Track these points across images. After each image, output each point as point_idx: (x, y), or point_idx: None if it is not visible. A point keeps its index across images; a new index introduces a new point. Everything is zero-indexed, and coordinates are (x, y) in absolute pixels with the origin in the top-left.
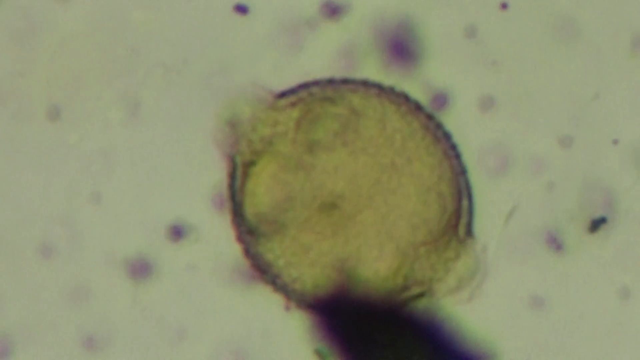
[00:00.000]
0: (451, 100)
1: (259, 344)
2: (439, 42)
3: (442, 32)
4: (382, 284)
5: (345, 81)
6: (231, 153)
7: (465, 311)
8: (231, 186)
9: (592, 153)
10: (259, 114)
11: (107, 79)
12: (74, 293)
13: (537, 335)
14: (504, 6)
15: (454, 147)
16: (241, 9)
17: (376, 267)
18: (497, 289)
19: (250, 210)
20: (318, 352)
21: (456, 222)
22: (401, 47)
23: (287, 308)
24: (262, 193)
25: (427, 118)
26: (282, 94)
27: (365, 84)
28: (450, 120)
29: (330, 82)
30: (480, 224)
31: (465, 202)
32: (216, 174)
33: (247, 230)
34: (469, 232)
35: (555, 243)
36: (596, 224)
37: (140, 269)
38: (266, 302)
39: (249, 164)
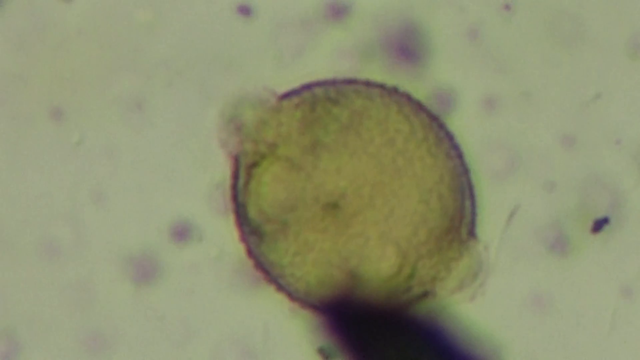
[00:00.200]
0: (454, 101)
1: (263, 343)
2: (443, 42)
3: (446, 33)
4: (384, 283)
5: (348, 82)
6: (235, 153)
7: (468, 311)
8: (234, 186)
9: (594, 153)
10: (262, 115)
11: (110, 78)
12: (77, 293)
13: (539, 335)
14: (507, 7)
15: (456, 147)
16: (244, 10)
17: (378, 267)
18: (499, 289)
19: (253, 210)
20: (322, 351)
21: (459, 222)
22: (404, 47)
23: (292, 309)
24: (265, 193)
25: (430, 118)
26: (286, 95)
27: (368, 84)
28: (454, 121)
29: (333, 83)
30: (483, 224)
31: (467, 202)
32: (219, 174)
33: (250, 230)
34: (472, 232)
35: (557, 243)
36: (599, 224)
37: (144, 269)
38: (270, 302)
39: (253, 165)
